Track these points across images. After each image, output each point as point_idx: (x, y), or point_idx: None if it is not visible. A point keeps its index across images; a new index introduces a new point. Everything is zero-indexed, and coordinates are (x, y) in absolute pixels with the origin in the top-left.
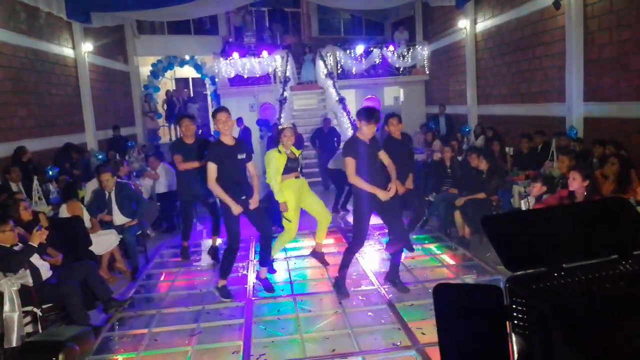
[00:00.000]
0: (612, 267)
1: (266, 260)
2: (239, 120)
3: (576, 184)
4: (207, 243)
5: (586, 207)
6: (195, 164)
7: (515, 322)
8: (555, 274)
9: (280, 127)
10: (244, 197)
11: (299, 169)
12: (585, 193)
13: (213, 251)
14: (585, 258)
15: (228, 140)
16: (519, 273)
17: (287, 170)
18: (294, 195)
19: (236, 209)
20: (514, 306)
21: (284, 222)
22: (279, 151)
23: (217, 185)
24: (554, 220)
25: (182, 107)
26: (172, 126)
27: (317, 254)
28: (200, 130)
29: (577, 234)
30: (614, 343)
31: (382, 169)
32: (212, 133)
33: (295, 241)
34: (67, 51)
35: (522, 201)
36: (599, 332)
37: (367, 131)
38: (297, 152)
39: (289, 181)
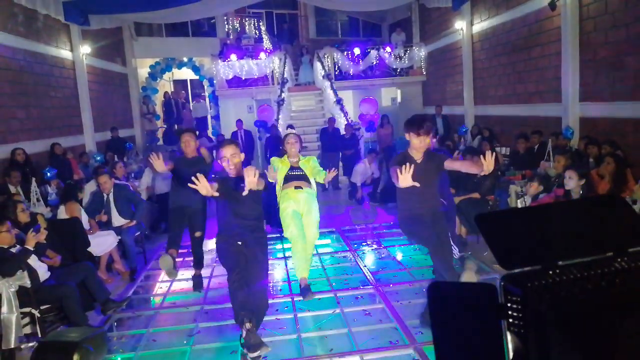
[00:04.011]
0: (608, 265)
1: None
2: (238, 122)
3: (572, 183)
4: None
5: (581, 204)
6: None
7: (510, 320)
8: (551, 272)
9: (286, 133)
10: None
11: (302, 179)
12: (581, 192)
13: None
14: (581, 255)
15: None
16: (513, 271)
17: (287, 180)
18: (293, 205)
19: None
20: (508, 304)
21: (285, 234)
22: (284, 159)
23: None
24: (549, 218)
25: (181, 107)
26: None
27: (304, 291)
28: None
29: (573, 231)
30: (610, 341)
31: (435, 194)
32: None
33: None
34: (65, 53)
35: (519, 201)
36: (595, 330)
37: (419, 145)
38: (306, 162)
39: (288, 190)
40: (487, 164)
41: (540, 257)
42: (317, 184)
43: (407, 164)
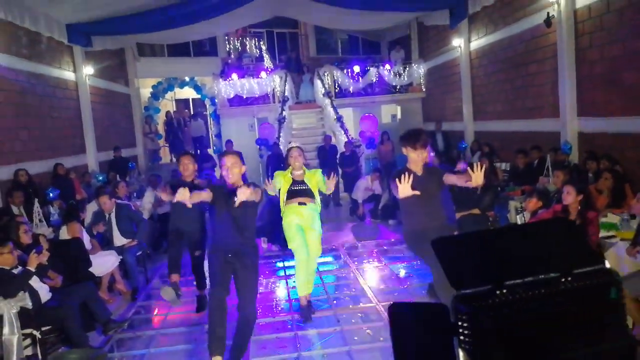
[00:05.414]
0: (553, 285)
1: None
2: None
3: (570, 198)
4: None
5: (531, 227)
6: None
7: (461, 338)
8: (498, 292)
9: (289, 147)
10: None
11: (305, 195)
12: (579, 207)
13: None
14: (528, 275)
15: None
16: (465, 291)
17: (291, 195)
18: (296, 219)
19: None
20: (459, 323)
21: (290, 246)
22: (287, 173)
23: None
24: (500, 241)
25: (183, 126)
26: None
27: (303, 311)
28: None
29: (521, 253)
30: (551, 358)
31: (440, 207)
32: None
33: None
34: (68, 74)
35: (518, 216)
36: (537, 347)
37: (417, 158)
38: (311, 175)
39: (292, 205)
40: (475, 176)
41: (489, 278)
42: (321, 199)
43: (406, 174)
